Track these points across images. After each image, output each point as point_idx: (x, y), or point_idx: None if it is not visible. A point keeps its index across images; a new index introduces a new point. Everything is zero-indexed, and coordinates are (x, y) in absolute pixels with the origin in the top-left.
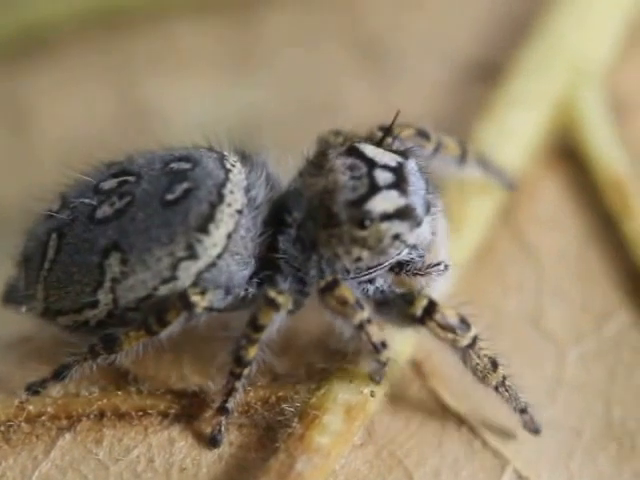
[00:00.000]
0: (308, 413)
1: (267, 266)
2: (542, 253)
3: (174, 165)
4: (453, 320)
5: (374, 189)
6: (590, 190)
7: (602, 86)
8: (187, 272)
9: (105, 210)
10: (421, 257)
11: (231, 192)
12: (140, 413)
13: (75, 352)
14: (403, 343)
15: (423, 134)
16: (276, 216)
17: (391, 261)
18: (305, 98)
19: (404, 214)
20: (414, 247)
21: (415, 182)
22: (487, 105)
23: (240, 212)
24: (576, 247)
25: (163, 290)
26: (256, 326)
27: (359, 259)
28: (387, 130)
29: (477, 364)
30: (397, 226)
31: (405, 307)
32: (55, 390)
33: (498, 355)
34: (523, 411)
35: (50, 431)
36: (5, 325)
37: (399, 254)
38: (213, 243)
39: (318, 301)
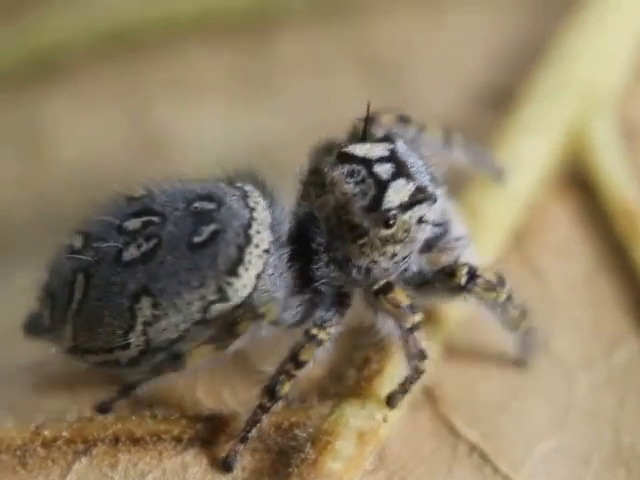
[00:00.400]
0: (321, 438)
1: (303, 290)
2: (552, 279)
3: (198, 204)
4: (494, 279)
5: (382, 186)
6: (600, 217)
7: (614, 113)
8: (217, 313)
9: (132, 252)
10: (445, 231)
11: (258, 232)
12: (154, 438)
13: (140, 372)
14: None
15: (403, 118)
16: (299, 246)
17: (420, 243)
18: (318, 123)
19: (419, 196)
20: (437, 223)
21: (413, 161)
22: (499, 132)
23: (267, 251)
24: (586, 273)
25: (195, 331)
26: (297, 362)
27: (394, 255)
28: (365, 121)
29: (513, 315)
30: (418, 210)
31: (447, 280)
32: (70, 414)
33: (524, 301)
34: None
35: (66, 455)
36: (19, 350)
37: (425, 234)
38: (243, 285)
39: (366, 303)
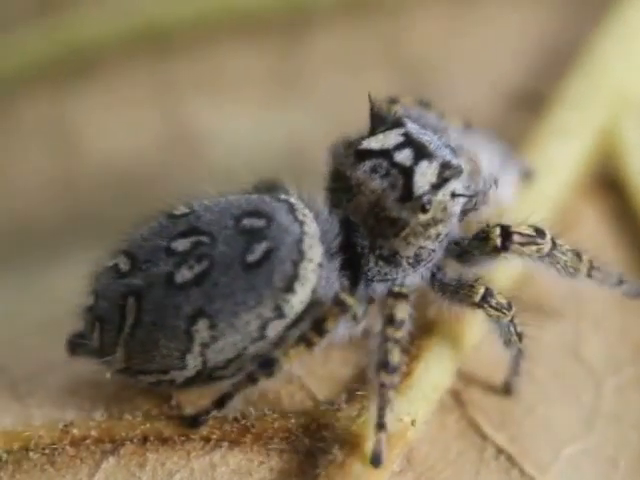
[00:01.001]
0: (349, 440)
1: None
2: None
3: (246, 222)
4: (530, 232)
5: (408, 173)
6: (631, 219)
7: None
8: (275, 329)
9: (184, 274)
10: (475, 191)
11: (310, 247)
12: (183, 438)
13: (234, 382)
14: (443, 372)
15: (423, 103)
16: (345, 252)
17: (457, 215)
18: (349, 122)
19: (446, 173)
20: (467, 190)
21: (429, 139)
22: (530, 134)
23: (321, 265)
24: None
25: (252, 349)
26: (396, 323)
27: (438, 235)
28: (371, 112)
29: (565, 261)
30: (449, 186)
31: (483, 245)
32: (99, 413)
33: (576, 244)
34: (621, 282)
35: (94, 454)
36: (47, 348)
37: (460, 205)
38: (300, 300)
39: (442, 296)
